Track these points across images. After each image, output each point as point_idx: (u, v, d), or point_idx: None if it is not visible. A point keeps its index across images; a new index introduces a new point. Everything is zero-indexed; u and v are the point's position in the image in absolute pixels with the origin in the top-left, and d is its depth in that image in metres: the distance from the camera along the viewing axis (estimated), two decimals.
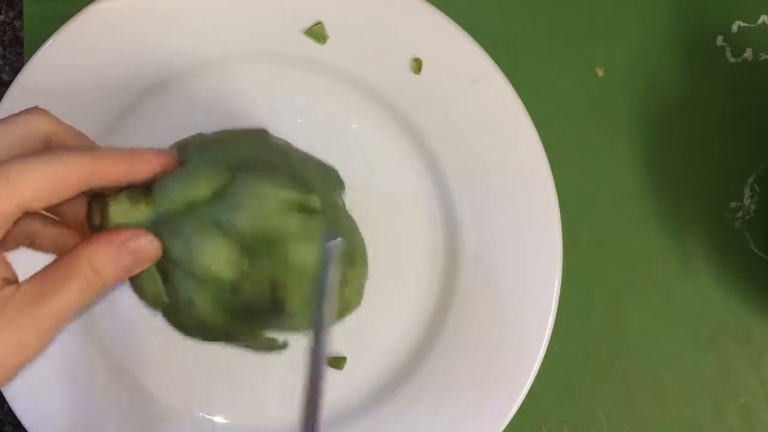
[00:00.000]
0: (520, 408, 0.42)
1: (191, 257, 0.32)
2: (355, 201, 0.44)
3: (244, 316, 0.34)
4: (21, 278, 0.29)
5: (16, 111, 0.43)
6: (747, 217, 0.47)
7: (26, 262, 0.31)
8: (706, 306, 0.47)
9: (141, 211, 0.32)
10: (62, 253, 0.30)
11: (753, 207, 0.48)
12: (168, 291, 0.34)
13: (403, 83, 0.44)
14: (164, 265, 0.33)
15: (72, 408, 0.42)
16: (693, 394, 0.46)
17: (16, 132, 0.31)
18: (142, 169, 0.32)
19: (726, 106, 0.48)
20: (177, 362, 0.43)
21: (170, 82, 0.44)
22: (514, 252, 0.43)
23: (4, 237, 0.28)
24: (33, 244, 0.35)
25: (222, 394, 0.44)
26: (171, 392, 0.43)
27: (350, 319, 0.44)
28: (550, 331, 0.43)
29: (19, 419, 0.41)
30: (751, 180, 0.48)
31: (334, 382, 0.44)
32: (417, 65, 0.44)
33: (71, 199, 0.30)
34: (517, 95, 0.44)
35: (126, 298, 0.43)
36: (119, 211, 0.32)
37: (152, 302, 0.35)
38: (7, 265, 0.29)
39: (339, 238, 0.33)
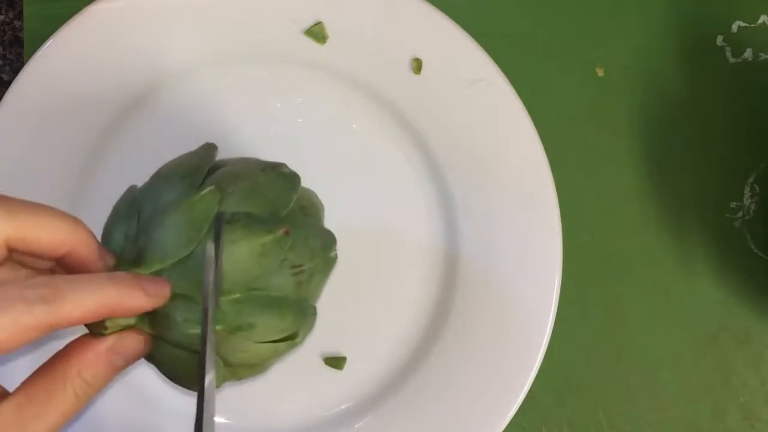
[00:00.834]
0: (520, 408, 0.42)
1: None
2: (354, 200, 0.44)
3: None
4: None
5: (16, 111, 0.43)
6: (747, 217, 0.47)
7: None
8: (706, 306, 0.47)
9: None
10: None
11: (753, 207, 0.48)
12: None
13: (403, 83, 0.44)
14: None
15: None
16: (693, 394, 0.46)
17: None
18: (124, 312, 0.29)
19: (726, 106, 0.48)
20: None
21: (170, 82, 0.44)
22: (514, 252, 0.43)
23: None
24: None
25: (222, 394, 0.43)
26: (171, 392, 0.43)
27: (350, 319, 0.44)
28: (550, 331, 0.43)
29: None
30: (751, 180, 0.48)
31: (334, 382, 0.44)
32: (417, 65, 0.44)
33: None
34: (517, 95, 0.44)
35: None
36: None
37: None
38: None
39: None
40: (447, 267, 0.44)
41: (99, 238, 0.33)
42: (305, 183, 0.44)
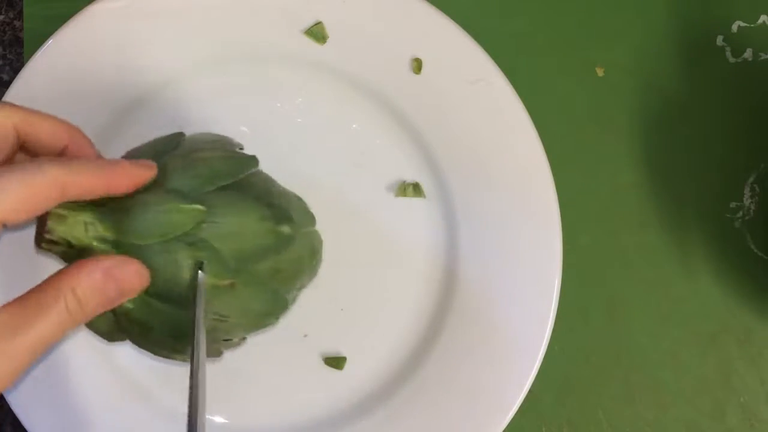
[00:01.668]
0: (520, 408, 0.42)
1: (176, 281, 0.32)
2: (354, 200, 0.44)
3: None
4: None
5: None
6: (747, 217, 0.47)
7: None
8: (706, 306, 0.47)
9: (97, 232, 0.32)
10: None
11: (753, 207, 0.48)
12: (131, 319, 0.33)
13: (403, 83, 0.44)
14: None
15: (72, 408, 0.42)
16: (693, 394, 0.46)
17: None
18: (121, 183, 0.31)
19: (726, 106, 0.48)
20: (177, 363, 0.43)
21: (170, 82, 0.44)
22: (514, 252, 0.43)
23: None
24: None
25: (222, 394, 0.43)
26: (171, 392, 0.43)
27: (350, 319, 0.44)
28: (550, 331, 0.43)
29: (19, 419, 0.41)
30: (751, 180, 0.48)
31: (334, 382, 0.44)
32: (417, 65, 0.44)
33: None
34: (517, 95, 0.44)
35: None
36: (63, 227, 0.31)
37: (106, 337, 0.35)
38: None
39: (202, 273, 0.33)
40: (447, 267, 0.44)
41: None
42: (305, 183, 0.44)
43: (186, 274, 0.32)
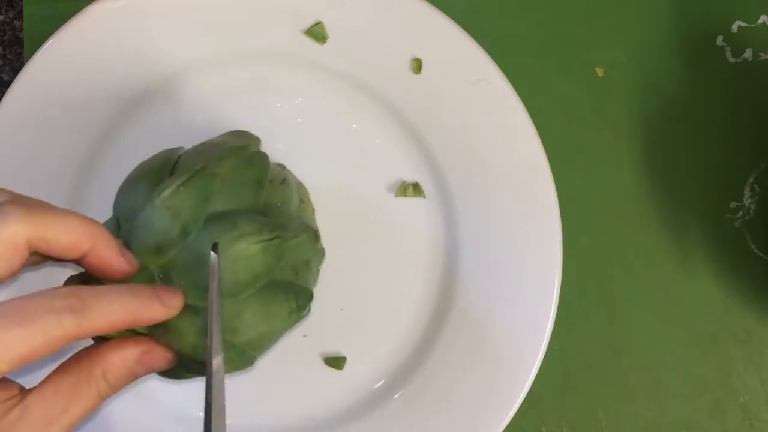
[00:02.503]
0: (520, 408, 0.42)
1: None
2: (354, 200, 0.44)
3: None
4: None
5: (16, 111, 0.43)
6: (747, 217, 0.47)
7: None
8: (706, 306, 0.47)
9: None
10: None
11: (753, 207, 0.48)
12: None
13: (403, 83, 0.44)
14: None
15: None
16: (693, 394, 0.46)
17: None
18: (143, 323, 0.30)
19: (726, 106, 0.48)
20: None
21: (170, 82, 0.44)
22: (514, 252, 0.43)
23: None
24: None
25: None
26: (171, 392, 0.43)
27: (350, 320, 0.44)
28: (550, 331, 0.43)
29: None
30: (751, 180, 0.48)
31: (334, 382, 0.44)
32: (417, 65, 0.44)
33: None
34: (517, 95, 0.44)
35: None
36: None
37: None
38: (8, 382, 0.28)
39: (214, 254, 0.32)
40: (447, 267, 0.44)
41: None
42: (305, 183, 0.44)
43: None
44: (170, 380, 0.38)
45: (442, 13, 0.44)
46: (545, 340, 0.42)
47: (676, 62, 0.48)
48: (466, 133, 0.44)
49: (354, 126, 0.45)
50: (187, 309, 0.32)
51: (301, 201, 0.41)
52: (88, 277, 0.32)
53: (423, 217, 0.45)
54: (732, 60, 0.49)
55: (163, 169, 0.36)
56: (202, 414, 0.43)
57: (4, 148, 0.42)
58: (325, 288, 0.43)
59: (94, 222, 0.30)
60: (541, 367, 0.42)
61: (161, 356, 0.31)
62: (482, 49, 0.44)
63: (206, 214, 0.33)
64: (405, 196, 0.44)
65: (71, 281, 0.33)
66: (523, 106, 0.44)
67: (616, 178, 0.47)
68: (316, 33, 0.44)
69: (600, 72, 0.48)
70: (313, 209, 0.43)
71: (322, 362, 0.44)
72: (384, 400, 0.44)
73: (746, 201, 0.48)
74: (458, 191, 0.44)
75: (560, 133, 0.47)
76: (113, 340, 0.31)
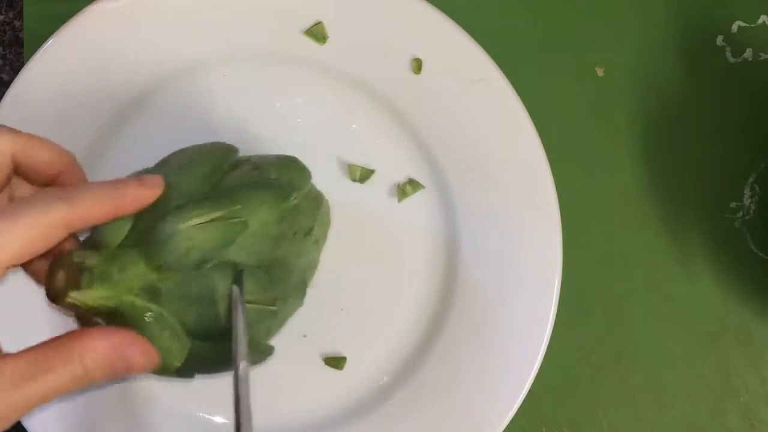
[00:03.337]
0: (520, 408, 0.42)
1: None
2: (354, 200, 0.44)
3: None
4: None
5: (16, 111, 0.43)
6: (747, 217, 0.47)
7: None
8: (706, 306, 0.47)
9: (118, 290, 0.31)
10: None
11: (753, 207, 0.48)
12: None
13: (403, 83, 0.44)
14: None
15: (72, 408, 0.42)
16: (693, 394, 0.46)
17: None
18: (129, 205, 0.31)
19: (726, 106, 0.48)
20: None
21: (170, 82, 0.44)
22: (514, 252, 0.43)
23: None
24: None
25: (222, 394, 0.43)
26: (171, 392, 0.43)
27: (350, 320, 0.44)
28: (550, 331, 0.43)
29: (21, 422, 0.41)
30: (751, 180, 0.48)
31: (334, 382, 0.44)
32: (417, 65, 0.44)
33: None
34: (517, 95, 0.44)
35: None
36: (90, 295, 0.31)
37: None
38: None
39: (235, 286, 0.33)
40: (447, 267, 0.44)
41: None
42: None
43: (222, 307, 0.33)
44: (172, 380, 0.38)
45: (442, 13, 0.44)
46: (545, 340, 0.42)
47: (676, 62, 0.48)
48: (466, 133, 0.44)
49: (354, 126, 0.45)
50: (171, 329, 0.32)
51: (316, 242, 0.41)
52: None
53: (423, 217, 0.45)
54: (732, 60, 0.49)
55: (215, 171, 0.35)
56: (201, 414, 0.43)
57: None
58: (325, 288, 0.43)
59: (65, 150, 0.34)
60: (541, 367, 0.42)
61: (143, 353, 0.31)
62: (482, 49, 0.44)
63: (220, 259, 0.33)
64: (406, 196, 0.44)
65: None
66: (523, 106, 0.44)
67: (616, 178, 0.47)
68: (316, 33, 0.44)
69: (600, 72, 0.48)
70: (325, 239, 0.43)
71: (322, 362, 0.44)
72: (384, 400, 0.44)
73: (746, 201, 0.48)
74: (458, 191, 0.44)
75: (560, 133, 0.47)
76: (98, 326, 0.31)
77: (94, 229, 0.33)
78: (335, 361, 0.44)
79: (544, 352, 0.42)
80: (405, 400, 0.43)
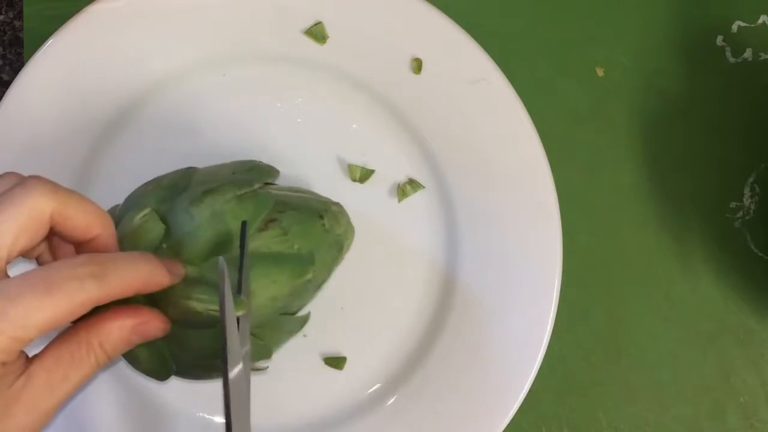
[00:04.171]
0: (520, 408, 0.42)
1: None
2: (354, 200, 0.44)
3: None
4: None
5: (16, 111, 0.43)
6: (747, 217, 0.47)
7: None
8: (706, 306, 0.47)
9: None
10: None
11: (753, 207, 0.48)
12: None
13: (403, 83, 0.44)
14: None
15: (72, 408, 0.42)
16: (693, 394, 0.46)
17: (18, 219, 0.29)
18: (153, 287, 0.31)
19: (726, 106, 0.48)
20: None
21: (170, 82, 0.44)
22: (514, 252, 0.43)
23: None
24: None
25: (221, 394, 0.43)
26: (171, 392, 0.43)
27: (350, 320, 0.44)
28: (550, 331, 0.43)
29: None
30: (751, 180, 0.48)
31: (334, 382, 0.44)
32: (417, 65, 0.44)
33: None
34: (517, 95, 0.44)
35: None
36: None
37: (158, 376, 0.36)
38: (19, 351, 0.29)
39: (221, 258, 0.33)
40: (447, 266, 0.44)
41: None
42: (305, 183, 0.44)
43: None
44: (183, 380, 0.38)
45: (442, 13, 0.44)
46: (545, 340, 0.42)
47: (676, 62, 0.48)
48: (466, 133, 0.44)
49: (354, 126, 0.45)
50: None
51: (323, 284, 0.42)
52: None
53: (423, 217, 0.45)
54: (732, 60, 0.49)
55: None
56: (201, 414, 0.43)
57: (3, 147, 0.42)
58: (325, 288, 0.43)
59: (103, 210, 0.32)
60: (541, 367, 0.42)
61: (157, 326, 0.32)
62: (482, 49, 0.44)
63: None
64: (407, 196, 0.44)
65: None
66: (523, 106, 0.44)
67: (616, 178, 0.47)
68: (316, 33, 0.44)
69: (600, 72, 0.48)
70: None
71: (322, 362, 0.44)
72: (384, 400, 0.44)
73: (746, 201, 0.48)
74: (458, 191, 0.44)
75: (560, 133, 0.47)
76: (110, 309, 0.31)
77: None
78: (335, 361, 0.44)
79: (544, 352, 0.42)
80: (405, 400, 0.43)
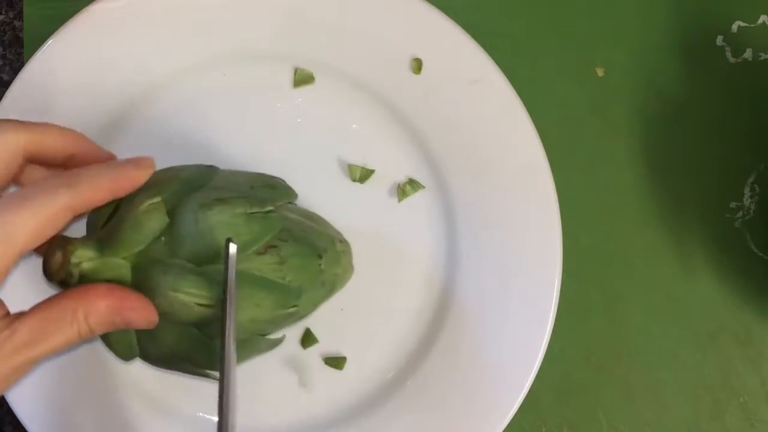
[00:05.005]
0: (520, 408, 0.42)
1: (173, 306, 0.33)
2: (354, 200, 0.44)
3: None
4: None
5: (16, 111, 0.43)
6: (747, 217, 0.47)
7: None
8: (706, 306, 0.47)
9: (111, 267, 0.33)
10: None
11: (753, 207, 0.48)
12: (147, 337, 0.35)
13: (403, 83, 0.44)
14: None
15: (72, 408, 0.42)
16: (693, 394, 0.46)
17: None
18: (126, 187, 0.33)
19: (726, 106, 0.48)
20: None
21: (170, 82, 0.44)
22: (513, 252, 0.43)
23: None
24: None
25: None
26: (171, 392, 0.43)
27: (350, 320, 0.44)
28: (550, 331, 0.43)
29: (19, 419, 0.41)
30: (751, 180, 0.48)
31: (334, 382, 0.44)
32: (417, 65, 0.44)
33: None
34: (517, 95, 0.44)
35: None
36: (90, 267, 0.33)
37: (122, 356, 0.36)
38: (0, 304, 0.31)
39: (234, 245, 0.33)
40: (447, 267, 0.44)
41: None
42: (305, 184, 0.44)
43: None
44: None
45: (442, 13, 0.44)
46: (545, 339, 0.42)
47: (676, 62, 0.48)
48: (466, 133, 0.44)
49: (354, 126, 0.45)
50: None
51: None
52: None
53: (422, 217, 0.45)
54: (732, 60, 0.49)
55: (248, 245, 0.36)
56: (201, 414, 0.43)
57: None
58: None
59: (74, 131, 0.35)
60: (541, 367, 0.42)
61: (144, 317, 0.33)
62: (482, 49, 0.44)
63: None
64: (407, 196, 0.44)
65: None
66: (523, 106, 0.44)
67: (616, 178, 0.47)
68: (303, 77, 0.44)
69: (600, 72, 0.48)
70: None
71: (322, 362, 0.44)
72: (384, 400, 0.44)
73: (746, 201, 0.48)
74: (458, 191, 0.44)
75: (560, 133, 0.47)
76: (102, 285, 0.32)
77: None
78: (335, 361, 0.44)
79: (544, 352, 0.42)
80: (405, 399, 0.43)
